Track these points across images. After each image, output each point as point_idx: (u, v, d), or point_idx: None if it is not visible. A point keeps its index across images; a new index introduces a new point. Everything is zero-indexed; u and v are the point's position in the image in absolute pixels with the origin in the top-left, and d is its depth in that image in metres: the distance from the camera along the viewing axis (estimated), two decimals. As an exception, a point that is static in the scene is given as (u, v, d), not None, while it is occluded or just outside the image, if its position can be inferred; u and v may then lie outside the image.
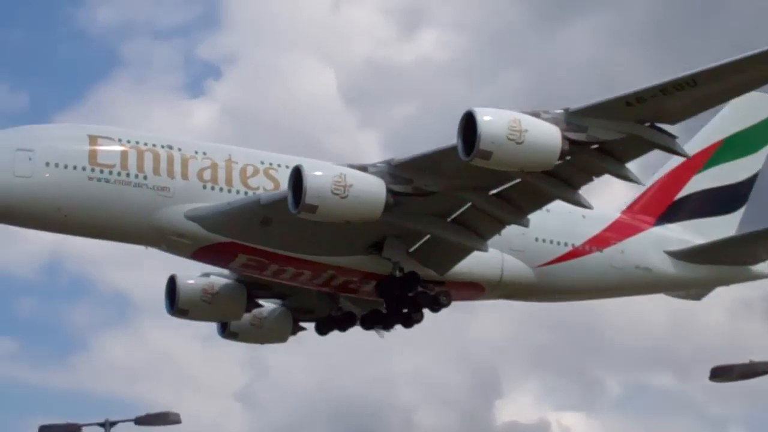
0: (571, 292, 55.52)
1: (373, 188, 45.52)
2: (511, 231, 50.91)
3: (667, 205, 57.75)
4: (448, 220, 49.21)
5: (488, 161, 42.59)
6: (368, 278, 51.66)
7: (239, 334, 56.94)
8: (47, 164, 47.13)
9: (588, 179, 46.85)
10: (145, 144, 49.45)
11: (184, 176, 49.02)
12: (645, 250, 55.71)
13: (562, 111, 44.36)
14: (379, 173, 46.41)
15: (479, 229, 49.91)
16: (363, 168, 46.52)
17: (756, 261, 55.67)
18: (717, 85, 42.04)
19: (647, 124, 44.66)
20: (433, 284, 51.50)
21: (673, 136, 44.90)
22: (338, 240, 49.54)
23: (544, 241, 53.74)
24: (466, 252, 50.67)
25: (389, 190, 45.94)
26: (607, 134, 44.80)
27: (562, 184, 46.51)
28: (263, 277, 52.49)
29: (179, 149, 49.80)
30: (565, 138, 43.55)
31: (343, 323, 56.07)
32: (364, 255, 50.45)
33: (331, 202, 44.79)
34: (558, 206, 50.29)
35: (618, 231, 55.80)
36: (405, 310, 52.94)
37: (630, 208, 57.37)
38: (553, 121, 44.07)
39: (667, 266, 55.83)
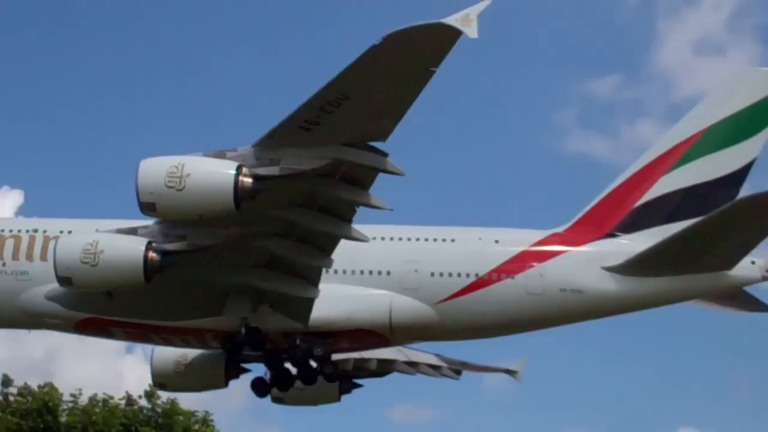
0: (483, 327, 50.80)
1: (127, 252, 43.42)
2: (401, 269, 49.36)
3: (624, 214, 51.85)
4: (267, 269, 46.96)
5: (156, 213, 41.27)
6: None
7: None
8: None
9: (350, 210, 44.27)
10: (10, 231, 49.65)
11: (43, 258, 48.12)
12: (573, 270, 50.40)
13: (250, 147, 41.77)
14: (149, 233, 44.59)
15: (301, 274, 47.15)
16: (133, 230, 44.84)
17: (729, 264, 49.82)
18: (370, 89, 38.64)
19: (355, 145, 41.68)
20: (315, 337, 49.17)
21: (384, 154, 41.94)
22: (183, 304, 48.25)
23: (441, 274, 49.73)
24: (304, 300, 47.58)
25: (160, 250, 43.97)
26: (308, 163, 41.93)
27: (329, 218, 44.37)
28: (158, 344, 51.85)
29: (44, 231, 49.52)
30: (252, 175, 41.14)
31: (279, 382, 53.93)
32: (218, 316, 48.03)
33: (82, 271, 43.29)
34: (466, 234, 50.57)
35: (537, 252, 50.77)
36: (287, 367, 51.96)
37: (576, 223, 52.30)
38: (239, 158, 41.70)
39: (607, 284, 50.19)
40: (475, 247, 50.32)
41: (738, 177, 51.47)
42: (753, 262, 50.48)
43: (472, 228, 51.73)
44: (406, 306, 49.18)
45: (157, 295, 46.60)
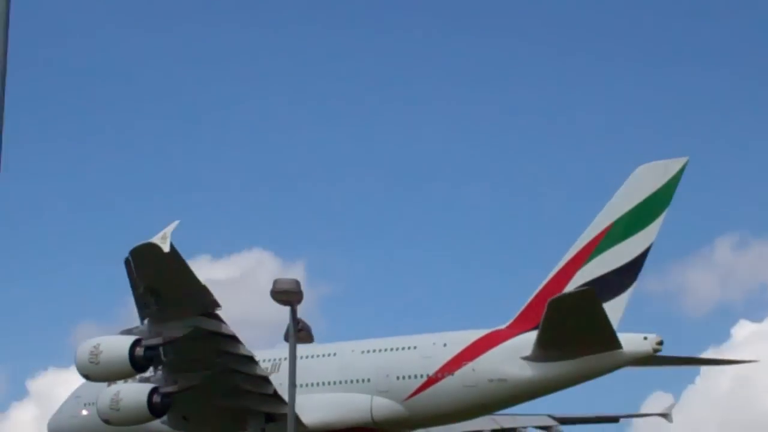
0: (440, 416, 60.34)
1: (138, 397, 57.90)
2: (375, 375, 60.05)
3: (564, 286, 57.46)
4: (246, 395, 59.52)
5: (91, 380, 57.93)
6: None
7: None
8: None
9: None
10: None
11: None
12: (497, 363, 57.64)
13: (146, 323, 56.00)
14: (156, 380, 58.85)
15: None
16: (145, 379, 59.59)
17: (613, 344, 55.32)
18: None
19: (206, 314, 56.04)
20: None
21: (221, 322, 56.10)
22: (221, 424, 61.39)
23: (403, 377, 59.50)
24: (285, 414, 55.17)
25: (162, 393, 57.98)
26: (178, 331, 55.63)
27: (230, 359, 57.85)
28: None
29: None
30: (144, 346, 55.05)
31: None
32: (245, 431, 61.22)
33: (114, 416, 58.21)
34: (425, 340, 60.46)
35: (472, 351, 58.64)
36: None
37: (516, 319, 58.89)
38: (138, 333, 55.99)
39: (525, 372, 56.86)
40: (429, 351, 59.59)
41: (638, 263, 57.58)
42: (645, 338, 56.62)
43: (431, 335, 61.52)
44: (382, 404, 59.78)
45: (203, 420, 60.58)
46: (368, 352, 61.54)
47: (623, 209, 58.16)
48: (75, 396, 66.77)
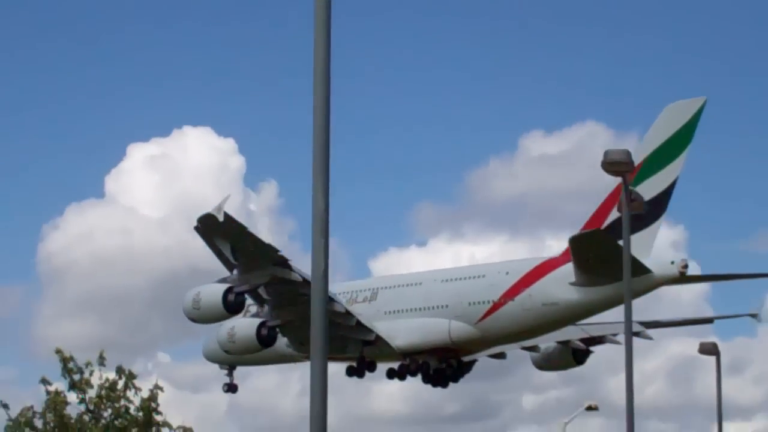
0: (507, 336, 69.84)
1: (249, 330, 69.06)
2: (452, 301, 69.10)
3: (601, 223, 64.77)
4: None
5: (196, 322, 68.52)
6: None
7: None
8: None
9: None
10: None
11: None
12: (550, 289, 66.31)
13: (236, 274, 66.33)
14: (264, 314, 70.93)
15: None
16: (256, 314, 72.97)
17: (644, 269, 62.03)
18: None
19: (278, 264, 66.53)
20: (406, 356, 71.82)
21: (292, 270, 66.31)
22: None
23: (474, 303, 68.53)
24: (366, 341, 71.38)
25: (268, 326, 69.65)
26: (260, 279, 66.36)
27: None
28: None
29: None
30: (234, 292, 65.95)
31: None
32: (344, 353, 72.11)
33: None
34: (491, 269, 69.46)
35: (529, 278, 67.58)
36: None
37: (566, 249, 66.21)
38: (230, 281, 67.04)
39: (573, 296, 65.36)
40: (494, 279, 68.63)
41: (667, 194, 64.74)
42: (672, 262, 64.87)
43: (499, 263, 71.81)
44: (458, 327, 69.08)
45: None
46: (447, 281, 71.26)
47: (653, 146, 65.39)
48: (225, 327, 72.20)
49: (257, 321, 69.98)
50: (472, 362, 75.80)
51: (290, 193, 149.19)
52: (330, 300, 59.86)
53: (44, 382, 47.01)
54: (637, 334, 72.84)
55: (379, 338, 70.77)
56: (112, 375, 47.37)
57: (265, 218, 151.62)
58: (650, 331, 78.00)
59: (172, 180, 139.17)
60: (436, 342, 70.21)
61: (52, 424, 46.01)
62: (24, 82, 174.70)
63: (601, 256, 61.06)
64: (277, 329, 69.69)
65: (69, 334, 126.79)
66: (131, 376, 47.26)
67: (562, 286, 66.02)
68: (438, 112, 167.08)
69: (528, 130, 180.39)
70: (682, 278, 65.40)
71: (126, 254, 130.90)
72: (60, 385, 47.08)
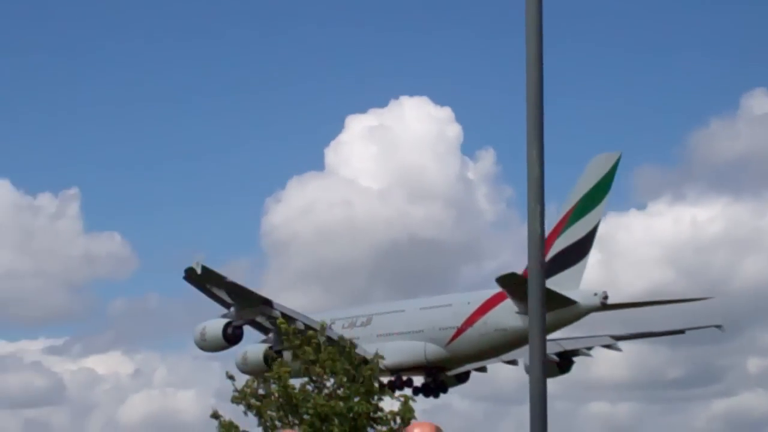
0: (469, 357, 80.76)
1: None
2: (426, 327, 79.79)
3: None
4: None
5: (204, 350, 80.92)
6: None
7: None
8: None
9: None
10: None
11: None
12: (501, 316, 75.76)
13: (234, 310, 77.22)
14: (270, 341, 79.90)
15: None
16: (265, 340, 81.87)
17: (570, 302, 71.78)
18: None
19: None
20: (399, 372, 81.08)
21: (274, 309, 76.06)
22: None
23: (441, 329, 79.11)
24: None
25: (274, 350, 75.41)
26: (252, 315, 77.20)
27: None
28: None
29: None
30: (233, 326, 77.59)
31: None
32: None
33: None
34: (458, 299, 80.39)
35: (484, 308, 77.35)
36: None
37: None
38: (229, 316, 78.04)
39: (518, 323, 72.04)
40: (458, 309, 78.78)
41: (591, 236, 74.23)
42: (595, 294, 73.69)
43: (465, 293, 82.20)
44: (432, 349, 79.83)
45: None
46: (423, 309, 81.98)
47: (581, 193, 74.83)
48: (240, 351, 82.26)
49: (264, 346, 79.91)
50: (465, 374, 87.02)
51: (507, 160, 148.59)
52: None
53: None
54: (608, 346, 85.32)
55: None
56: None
57: (483, 186, 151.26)
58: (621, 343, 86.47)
59: (391, 150, 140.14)
60: (415, 361, 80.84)
61: (276, 395, 46.86)
62: (246, 60, 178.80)
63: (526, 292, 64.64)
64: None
65: (293, 305, 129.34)
66: (352, 346, 47.79)
67: (510, 314, 74.24)
68: (656, 71, 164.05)
69: (750, 88, 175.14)
70: (604, 307, 74.66)
71: (347, 226, 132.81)
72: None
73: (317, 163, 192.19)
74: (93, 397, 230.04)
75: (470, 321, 77.92)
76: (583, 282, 74.66)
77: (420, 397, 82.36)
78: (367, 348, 73.06)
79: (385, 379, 77.10)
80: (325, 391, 47.14)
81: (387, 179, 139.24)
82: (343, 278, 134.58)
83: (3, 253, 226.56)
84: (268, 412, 46.69)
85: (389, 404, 47.86)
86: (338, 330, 75.28)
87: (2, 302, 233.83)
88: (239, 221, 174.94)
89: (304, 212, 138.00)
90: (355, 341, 67.39)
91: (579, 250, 74.04)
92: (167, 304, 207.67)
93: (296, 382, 47.25)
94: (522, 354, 78.47)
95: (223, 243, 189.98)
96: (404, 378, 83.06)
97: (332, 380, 47.36)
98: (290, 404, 46.49)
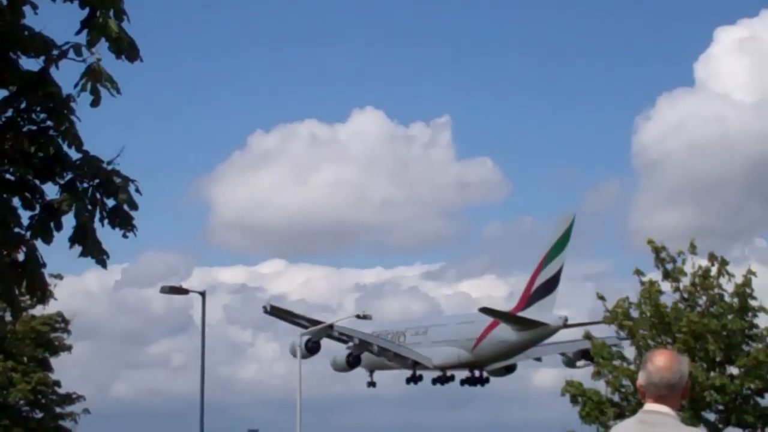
0: (488, 360, 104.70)
1: (341, 359, 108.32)
2: (460, 337, 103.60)
3: (528, 296, 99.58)
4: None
5: (302, 358, 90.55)
6: None
7: None
8: None
9: None
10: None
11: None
12: (502, 332, 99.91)
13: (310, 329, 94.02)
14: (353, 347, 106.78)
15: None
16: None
17: (541, 324, 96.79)
18: None
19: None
20: (440, 370, 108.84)
21: (334, 330, 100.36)
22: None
23: (468, 339, 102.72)
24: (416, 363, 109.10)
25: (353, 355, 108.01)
26: (322, 334, 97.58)
27: None
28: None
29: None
30: (311, 341, 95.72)
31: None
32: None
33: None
34: (478, 318, 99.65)
35: (493, 325, 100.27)
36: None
37: (518, 303, 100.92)
38: (308, 334, 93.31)
39: (514, 337, 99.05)
40: (478, 325, 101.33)
41: (558, 275, 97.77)
42: (560, 317, 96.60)
43: (481, 314, 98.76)
44: (463, 354, 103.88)
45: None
46: (459, 324, 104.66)
47: (551, 242, 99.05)
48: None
49: (347, 351, 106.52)
50: (512, 366, 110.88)
51: None
52: (389, 343, 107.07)
53: (638, 273, 47.83)
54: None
55: (419, 362, 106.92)
56: (704, 263, 47.32)
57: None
58: None
59: (764, 62, 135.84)
60: (452, 362, 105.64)
61: (647, 314, 46.76)
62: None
63: (506, 318, 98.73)
64: (359, 356, 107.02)
65: (664, 224, 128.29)
66: (723, 263, 47.00)
67: (508, 331, 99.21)
68: None
69: None
70: (566, 326, 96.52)
71: (720, 141, 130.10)
72: (654, 275, 47.82)
73: (687, 79, 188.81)
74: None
75: (484, 334, 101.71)
76: (555, 306, 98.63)
77: None
78: (422, 352, 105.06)
79: (433, 375, 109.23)
80: (698, 309, 46.69)
81: (761, 92, 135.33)
82: (716, 195, 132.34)
83: (379, 183, 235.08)
84: (640, 332, 46.71)
85: (765, 321, 46.95)
86: (409, 337, 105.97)
87: (379, 230, 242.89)
88: (609, 141, 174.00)
89: (675, 129, 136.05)
90: (417, 347, 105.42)
91: (552, 285, 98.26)
92: (540, 226, 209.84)
93: (668, 300, 47.05)
94: (542, 353, 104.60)
95: (593, 164, 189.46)
96: (448, 374, 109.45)
97: (704, 298, 46.85)
98: (663, 323, 46.35)
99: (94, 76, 14.14)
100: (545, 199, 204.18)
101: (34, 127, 14.46)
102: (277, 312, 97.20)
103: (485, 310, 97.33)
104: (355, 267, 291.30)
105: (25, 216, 14.53)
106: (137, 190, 14.81)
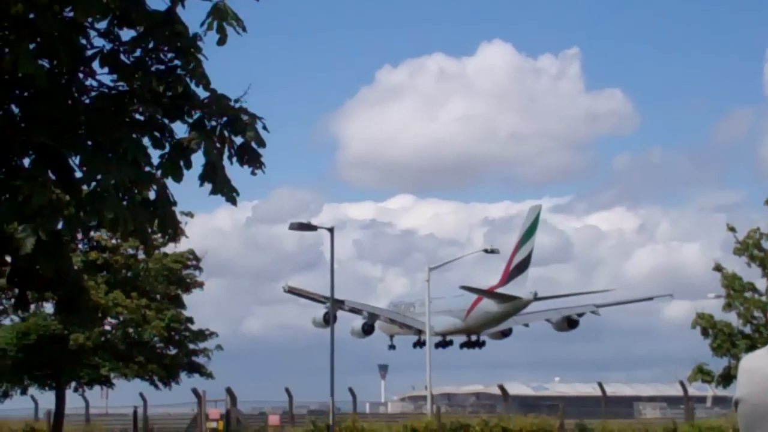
0: (474, 327, 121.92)
1: (319, 318, 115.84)
2: (454, 308, 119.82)
3: (507, 274, 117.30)
4: None
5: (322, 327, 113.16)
6: None
7: None
8: None
9: None
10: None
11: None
12: (486, 305, 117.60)
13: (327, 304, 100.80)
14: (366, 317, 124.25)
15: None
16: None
17: (517, 298, 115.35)
18: None
19: None
20: (442, 336, 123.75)
21: (345, 304, 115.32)
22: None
23: (461, 310, 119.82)
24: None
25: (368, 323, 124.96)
26: (339, 308, 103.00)
27: None
28: None
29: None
30: (327, 314, 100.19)
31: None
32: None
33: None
34: (465, 292, 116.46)
35: (479, 299, 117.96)
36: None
37: (500, 279, 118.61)
38: (326, 308, 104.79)
39: (495, 308, 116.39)
40: (467, 299, 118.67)
41: (529, 257, 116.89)
42: (531, 292, 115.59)
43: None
44: (457, 322, 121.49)
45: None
46: (454, 297, 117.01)
47: (523, 229, 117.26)
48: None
49: (362, 321, 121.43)
50: (509, 330, 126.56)
51: None
52: (395, 314, 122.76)
53: (770, 203, 47.16)
54: (593, 312, 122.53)
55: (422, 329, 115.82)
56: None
57: None
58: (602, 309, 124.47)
59: None
60: (449, 329, 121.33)
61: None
62: None
63: (484, 293, 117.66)
64: (372, 324, 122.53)
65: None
66: None
67: (492, 303, 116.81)
68: None
69: None
70: (536, 299, 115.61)
71: None
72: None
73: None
74: (598, 254, 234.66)
75: (473, 306, 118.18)
76: (528, 282, 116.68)
77: None
78: (424, 320, 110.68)
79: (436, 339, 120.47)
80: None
81: None
82: None
83: (508, 116, 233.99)
84: (773, 263, 46.05)
85: None
86: (417, 308, 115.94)
87: (507, 164, 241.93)
88: (739, 70, 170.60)
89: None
90: (421, 316, 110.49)
91: (524, 266, 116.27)
92: (670, 157, 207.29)
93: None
94: (530, 320, 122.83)
95: (724, 93, 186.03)
96: (447, 339, 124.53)
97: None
98: (795, 254, 45.66)
99: (220, 15, 14.26)
100: (676, 129, 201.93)
101: (162, 67, 14.65)
102: (295, 291, 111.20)
103: (466, 288, 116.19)
104: (483, 201, 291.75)
105: (155, 155, 14.77)
106: (265, 128, 14.96)
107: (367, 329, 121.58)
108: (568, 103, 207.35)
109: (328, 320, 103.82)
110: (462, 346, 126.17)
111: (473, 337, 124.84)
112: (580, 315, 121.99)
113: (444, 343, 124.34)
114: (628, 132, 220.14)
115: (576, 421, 59.68)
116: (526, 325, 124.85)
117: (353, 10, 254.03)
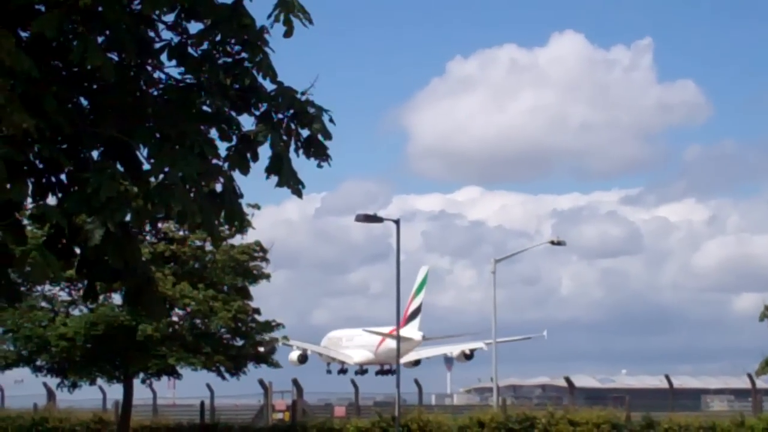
0: (386, 360, 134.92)
1: (294, 357, 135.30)
2: (368, 344, 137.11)
3: (406, 318, 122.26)
4: None
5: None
6: None
7: None
8: None
9: None
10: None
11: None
12: (388, 342, 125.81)
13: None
14: None
15: None
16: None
17: (407, 338, 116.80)
18: None
19: None
20: (360, 366, 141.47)
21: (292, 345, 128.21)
22: None
23: (372, 345, 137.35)
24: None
25: None
26: (299, 350, 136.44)
27: None
28: None
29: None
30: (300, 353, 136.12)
31: None
32: None
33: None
34: (378, 331, 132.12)
35: (385, 338, 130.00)
36: None
37: (402, 321, 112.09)
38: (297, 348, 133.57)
39: (395, 346, 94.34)
40: (377, 337, 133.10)
41: (419, 307, 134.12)
42: (421, 334, 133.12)
43: (383, 328, 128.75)
44: (369, 355, 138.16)
45: None
46: (369, 333, 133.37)
47: (415, 286, 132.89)
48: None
49: (298, 352, 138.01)
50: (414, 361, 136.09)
51: None
52: (323, 348, 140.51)
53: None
54: (481, 348, 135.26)
55: (344, 360, 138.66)
56: None
57: None
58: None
59: None
60: (365, 361, 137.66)
61: None
62: None
63: (383, 335, 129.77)
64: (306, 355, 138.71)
65: None
66: None
67: (392, 342, 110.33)
68: None
69: None
70: (425, 340, 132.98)
71: None
72: None
73: None
74: (668, 245, 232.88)
75: (380, 343, 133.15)
76: (420, 326, 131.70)
77: None
78: (346, 353, 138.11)
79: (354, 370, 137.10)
80: None
81: None
82: None
83: (578, 107, 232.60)
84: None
85: None
86: (343, 343, 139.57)
87: (577, 155, 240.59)
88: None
89: None
90: (345, 349, 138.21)
91: (416, 313, 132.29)
92: (743, 149, 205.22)
93: None
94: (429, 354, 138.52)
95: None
96: (364, 368, 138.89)
97: None
98: None
99: (287, 7, 14.28)
100: (748, 121, 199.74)
101: (230, 60, 14.71)
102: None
103: (369, 330, 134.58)
104: (551, 193, 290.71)
105: (222, 147, 14.84)
106: (331, 120, 14.97)
107: (301, 359, 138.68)
108: (640, 93, 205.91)
109: (302, 360, 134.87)
110: (377, 373, 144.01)
111: (386, 367, 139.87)
112: (473, 350, 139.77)
113: (362, 371, 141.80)
114: (699, 123, 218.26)
115: (642, 414, 59.26)
116: (418, 362, 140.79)
117: (425, 1, 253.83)
